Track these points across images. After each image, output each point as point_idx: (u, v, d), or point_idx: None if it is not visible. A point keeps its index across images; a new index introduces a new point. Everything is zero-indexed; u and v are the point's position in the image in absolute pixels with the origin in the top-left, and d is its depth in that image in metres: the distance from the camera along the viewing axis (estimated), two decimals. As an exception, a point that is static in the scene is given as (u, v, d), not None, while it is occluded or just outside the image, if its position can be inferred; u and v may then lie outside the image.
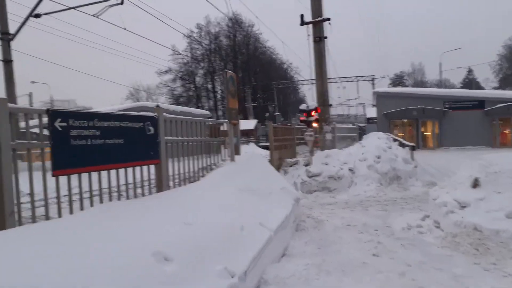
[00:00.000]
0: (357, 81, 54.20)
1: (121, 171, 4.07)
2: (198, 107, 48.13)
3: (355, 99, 65.05)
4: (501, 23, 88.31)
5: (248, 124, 39.18)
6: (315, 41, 11.32)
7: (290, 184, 6.88)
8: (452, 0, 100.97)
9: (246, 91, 53.46)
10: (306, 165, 10.23)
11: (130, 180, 4.21)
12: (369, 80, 55.42)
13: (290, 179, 9.65)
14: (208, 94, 56.70)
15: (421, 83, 71.96)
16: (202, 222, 3.36)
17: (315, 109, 9.76)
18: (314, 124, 10.37)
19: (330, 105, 11.85)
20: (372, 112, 43.35)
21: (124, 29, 15.85)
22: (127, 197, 4.19)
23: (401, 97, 26.80)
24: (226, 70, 5.37)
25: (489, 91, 26.70)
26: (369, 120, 42.66)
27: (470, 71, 72.76)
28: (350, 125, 16.33)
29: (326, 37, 11.46)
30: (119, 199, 4.20)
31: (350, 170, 9.99)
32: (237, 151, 7.25)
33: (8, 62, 11.76)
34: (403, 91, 27.46)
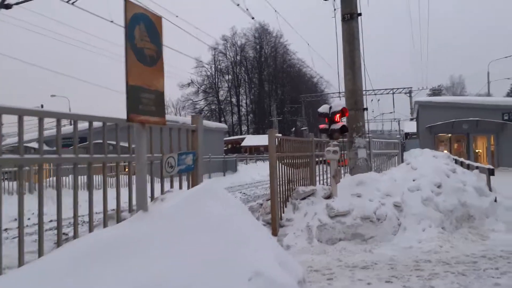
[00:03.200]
0: (393, 93, 50.17)
1: None
2: (220, 121, 45.52)
3: (391, 113, 60.65)
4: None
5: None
6: (344, 19, 8.01)
7: (285, 253, 3.57)
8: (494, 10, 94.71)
9: (271, 104, 50.38)
10: (327, 197, 6.84)
11: None
12: (406, 93, 51.31)
13: (301, 221, 6.28)
14: (232, 108, 54.11)
15: (461, 98, 66.37)
16: None
17: (341, 112, 6.42)
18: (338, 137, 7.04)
19: (365, 109, 8.43)
20: (410, 127, 39.18)
21: (111, 21, 13.25)
22: None
23: (448, 108, 22.78)
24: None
25: (561, 100, 22.28)
26: (407, 136, 38.43)
27: (516, 84, 66.93)
28: (389, 140, 12.70)
29: (360, 14, 8.16)
30: None
31: (396, 206, 6.50)
32: (195, 182, 4.05)
33: None
34: (451, 100, 23.48)
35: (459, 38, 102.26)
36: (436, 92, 71.28)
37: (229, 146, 46.21)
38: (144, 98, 2.47)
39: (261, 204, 7.00)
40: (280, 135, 7.31)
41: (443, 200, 6.65)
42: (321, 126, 6.87)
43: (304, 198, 6.82)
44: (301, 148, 7.71)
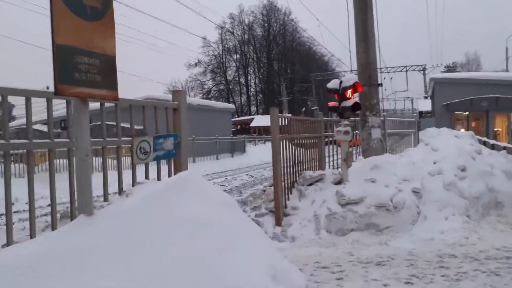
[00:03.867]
0: (406, 71, 48.63)
1: None
2: (229, 102, 44.70)
3: (404, 91, 59.19)
4: None
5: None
6: (355, -17, 7.16)
7: (282, 259, 2.93)
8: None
9: (281, 83, 49.22)
10: (338, 183, 6.16)
11: None
12: (419, 70, 49.66)
13: (308, 209, 5.63)
14: (241, 89, 53.11)
15: (478, 75, 64.18)
16: None
17: (353, 87, 5.65)
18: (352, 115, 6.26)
19: (380, 84, 7.62)
20: (424, 105, 37.92)
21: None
22: None
23: (465, 85, 21.62)
24: None
25: None
26: (422, 114, 37.16)
27: (532, 60, 64.43)
28: (405, 119, 11.89)
29: (374, -24, 7.28)
30: None
31: (415, 192, 5.80)
32: (178, 170, 3.43)
33: None
34: (468, 77, 22.27)
35: (473, 13, 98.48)
36: (450, 69, 68.89)
37: (238, 127, 45.52)
38: (82, 63, 1.80)
39: (264, 191, 6.37)
40: (289, 115, 6.54)
41: (468, 186, 5.92)
42: (331, 103, 6.14)
43: (311, 184, 6.16)
44: (308, 129, 7.00)
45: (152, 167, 3.17)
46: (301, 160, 6.56)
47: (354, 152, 9.16)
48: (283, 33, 54.53)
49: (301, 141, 6.62)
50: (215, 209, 2.43)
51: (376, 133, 7.50)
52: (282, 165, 5.89)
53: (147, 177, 2.99)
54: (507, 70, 41.41)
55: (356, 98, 6.16)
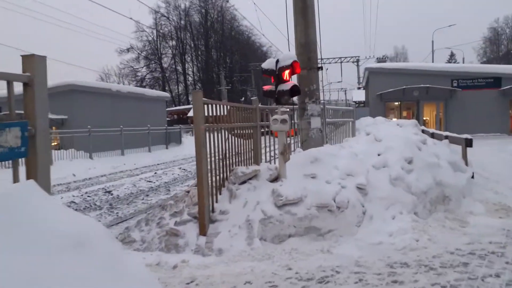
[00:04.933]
0: (341, 62, 49.77)
1: None
2: (165, 91, 42.44)
3: (339, 82, 60.84)
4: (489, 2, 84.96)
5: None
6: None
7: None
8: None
9: (220, 73, 47.82)
10: (274, 179, 5.29)
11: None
12: (353, 62, 51.08)
13: (240, 213, 4.69)
14: (178, 77, 50.85)
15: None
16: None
17: (291, 68, 4.76)
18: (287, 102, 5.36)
19: (320, 68, 6.86)
20: (358, 95, 38.97)
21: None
22: None
23: (399, 75, 22.12)
24: None
25: (508, 66, 22.30)
26: (356, 104, 38.09)
27: (452, 55, 69.93)
28: (344, 108, 11.42)
29: None
30: None
31: (360, 188, 5.10)
32: (31, 176, 2.26)
33: None
34: (402, 67, 22.81)
35: (402, 10, 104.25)
36: (381, 61, 72.08)
37: (175, 116, 43.51)
38: None
39: (188, 192, 5.32)
40: (217, 101, 5.47)
41: (416, 179, 5.36)
42: (266, 87, 5.22)
43: (244, 182, 5.22)
44: (242, 118, 6.03)
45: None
46: (234, 154, 5.60)
47: (292, 142, 8.39)
48: (221, 20, 52.99)
49: (233, 132, 5.64)
50: (47, 260, 1.34)
51: (316, 122, 6.76)
52: (209, 160, 4.88)
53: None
54: (433, 62, 44.10)
55: (295, 81, 5.29)
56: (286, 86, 4.86)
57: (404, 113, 23.47)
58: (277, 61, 4.83)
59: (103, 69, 48.00)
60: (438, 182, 5.47)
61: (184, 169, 13.83)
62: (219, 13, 52.87)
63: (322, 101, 8.31)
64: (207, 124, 4.81)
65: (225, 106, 5.31)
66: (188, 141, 26.77)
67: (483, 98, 19.89)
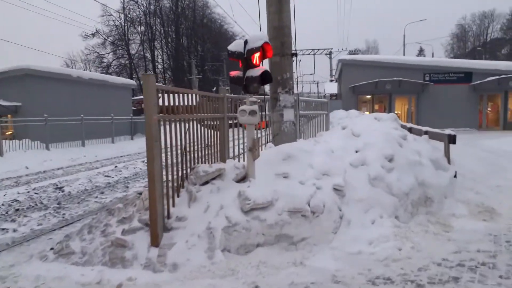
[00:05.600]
0: (314, 54, 49.52)
1: None
2: (132, 79, 40.68)
3: (311, 74, 60.77)
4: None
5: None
6: None
7: None
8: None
9: (191, 61, 46.37)
10: (241, 179, 4.65)
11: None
12: (326, 54, 50.96)
13: (200, 220, 4.03)
14: (147, 64, 48.97)
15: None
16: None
17: (262, 50, 4.10)
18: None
19: (295, 54, 6.23)
20: (330, 88, 38.86)
21: None
22: None
23: (372, 67, 21.90)
24: None
25: (478, 61, 22.57)
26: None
27: (421, 50, 71.54)
28: (318, 100, 10.88)
29: None
30: None
31: (337, 190, 4.54)
32: None
33: None
34: (375, 59, 22.60)
35: (375, 2, 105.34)
36: (353, 54, 72.64)
37: (143, 106, 41.84)
38: None
39: (140, 193, 4.59)
40: (175, 88, 4.63)
41: (397, 179, 4.87)
42: (232, 73, 4.53)
43: (207, 183, 4.55)
44: (207, 108, 5.34)
45: None
46: (196, 149, 4.91)
47: (263, 135, 7.75)
48: (193, 6, 51.37)
49: (196, 126, 4.94)
50: None
51: (289, 114, 6.15)
52: (165, 156, 4.18)
53: None
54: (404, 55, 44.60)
55: (265, 67, 4.62)
56: (255, 72, 4.20)
57: (376, 107, 23.36)
58: (246, 42, 4.16)
59: (68, 55, 45.49)
60: (421, 182, 5.00)
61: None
62: (191, -1, 51.29)
63: (296, 92, 7.70)
64: (161, 115, 4.10)
65: (185, 94, 4.59)
66: (156, 132, 25.68)
67: (454, 92, 20.00)
